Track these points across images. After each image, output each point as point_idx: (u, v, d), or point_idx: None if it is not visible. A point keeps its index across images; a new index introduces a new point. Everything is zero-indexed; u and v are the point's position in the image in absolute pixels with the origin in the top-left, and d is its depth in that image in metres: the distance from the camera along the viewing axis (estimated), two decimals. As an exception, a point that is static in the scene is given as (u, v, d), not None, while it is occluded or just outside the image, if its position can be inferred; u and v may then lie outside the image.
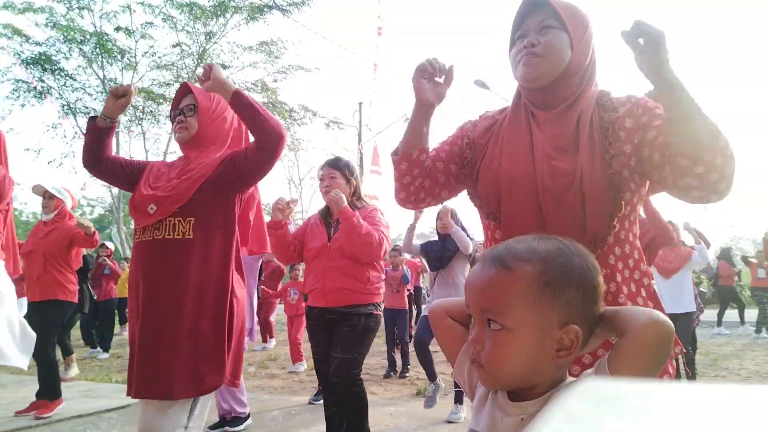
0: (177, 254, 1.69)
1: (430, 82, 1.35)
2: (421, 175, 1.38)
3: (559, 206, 1.18)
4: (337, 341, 2.75)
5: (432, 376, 4.09)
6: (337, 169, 2.92)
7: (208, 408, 1.77)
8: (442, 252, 4.06)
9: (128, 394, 1.74)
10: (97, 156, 1.91)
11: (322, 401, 4.29)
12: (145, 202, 1.76)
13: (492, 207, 1.30)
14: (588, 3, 1.40)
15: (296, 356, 6.16)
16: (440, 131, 1.49)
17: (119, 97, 1.86)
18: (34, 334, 2.99)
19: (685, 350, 4.97)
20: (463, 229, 4.22)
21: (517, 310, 0.75)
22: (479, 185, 1.33)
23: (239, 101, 1.73)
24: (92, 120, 1.90)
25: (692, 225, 5.14)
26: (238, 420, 3.51)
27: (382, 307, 2.97)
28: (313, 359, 2.98)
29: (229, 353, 1.73)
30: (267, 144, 1.75)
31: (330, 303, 2.76)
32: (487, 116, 1.43)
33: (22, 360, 2.82)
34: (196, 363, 1.66)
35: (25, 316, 2.94)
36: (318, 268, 2.82)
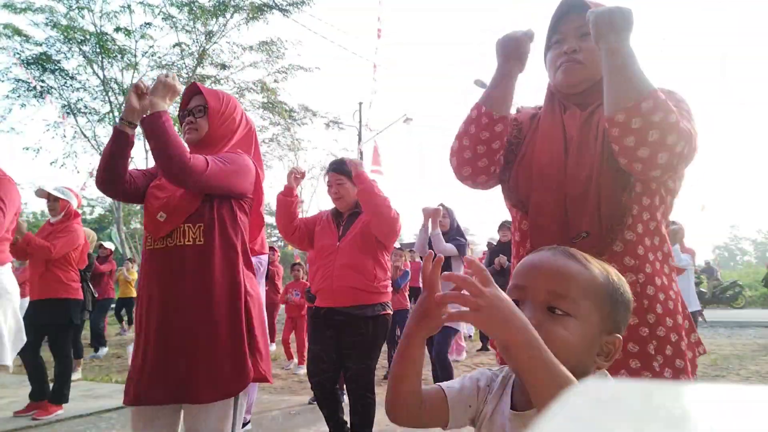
0: (190, 260, 1.70)
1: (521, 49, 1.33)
2: (494, 139, 1.30)
3: (582, 198, 1.20)
4: (349, 351, 2.76)
5: None
6: (342, 174, 2.93)
7: (245, 405, 1.78)
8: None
9: (133, 403, 1.70)
10: (118, 170, 1.78)
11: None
12: (154, 210, 1.76)
13: (521, 195, 1.31)
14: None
15: (290, 354, 6.25)
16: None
17: (141, 94, 1.75)
18: (25, 337, 2.98)
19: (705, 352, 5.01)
20: (459, 228, 4.22)
21: (585, 302, 0.78)
22: (514, 171, 1.34)
23: (148, 123, 1.66)
24: (117, 128, 1.78)
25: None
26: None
27: (390, 306, 2.96)
28: (308, 357, 2.96)
29: (255, 351, 1.74)
30: (166, 173, 1.69)
31: (338, 303, 2.77)
32: (523, 111, 1.46)
33: (7, 358, 2.80)
34: (217, 366, 1.66)
35: (24, 316, 2.94)
36: (326, 266, 2.83)
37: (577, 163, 1.23)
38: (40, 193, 4.07)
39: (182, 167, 1.63)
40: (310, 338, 2.99)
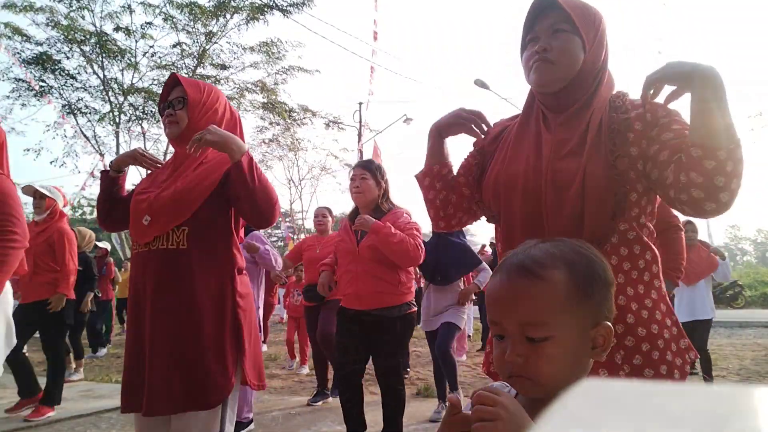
0: (172, 264, 1.66)
1: (461, 126, 1.42)
2: (445, 189, 1.43)
3: (559, 206, 1.18)
4: (379, 349, 2.91)
5: (454, 385, 3.86)
6: (368, 170, 3.00)
7: (235, 410, 1.75)
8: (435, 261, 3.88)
9: (123, 411, 1.69)
10: (113, 205, 1.92)
11: (320, 403, 4.31)
12: (140, 212, 1.71)
13: (494, 208, 1.31)
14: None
15: (293, 354, 6.23)
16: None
17: (137, 161, 1.89)
18: (14, 341, 2.95)
19: (699, 355, 4.93)
20: (462, 232, 4.19)
21: (557, 317, 0.75)
22: (484, 187, 1.34)
23: (240, 171, 1.66)
24: (105, 173, 1.94)
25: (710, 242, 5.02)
26: (240, 425, 3.50)
27: (415, 303, 3.09)
28: (337, 349, 3.03)
29: (243, 358, 1.70)
30: (254, 218, 1.74)
31: (365, 306, 2.86)
32: (499, 123, 1.45)
33: None
34: (201, 373, 1.62)
35: (12, 316, 2.91)
36: (350, 272, 2.92)
37: (555, 169, 1.19)
38: (27, 189, 4.05)
39: (275, 213, 1.73)
40: (337, 332, 3.07)
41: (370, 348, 2.95)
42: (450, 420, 0.77)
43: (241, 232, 1.94)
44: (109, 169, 1.94)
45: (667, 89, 1.14)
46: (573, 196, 1.16)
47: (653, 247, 1.22)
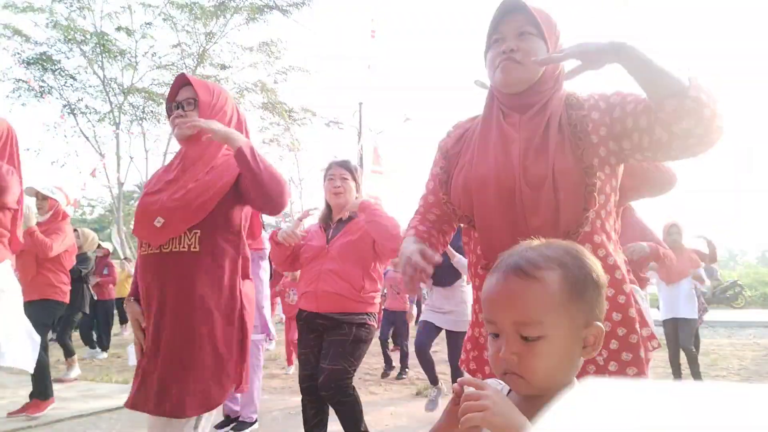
0: (184, 268, 1.65)
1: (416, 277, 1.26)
2: (435, 228, 1.50)
3: (535, 204, 1.21)
4: (326, 350, 2.63)
5: (434, 380, 4.08)
6: (348, 170, 2.89)
7: (213, 415, 1.73)
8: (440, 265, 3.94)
9: (135, 407, 1.68)
10: None
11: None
12: (151, 213, 1.69)
13: (464, 209, 1.32)
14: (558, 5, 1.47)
15: (291, 359, 6.17)
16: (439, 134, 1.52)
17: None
18: (38, 337, 2.96)
19: (687, 350, 4.94)
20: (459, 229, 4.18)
21: (551, 317, 0.78)
22: (451, 189, 1.36)
23: (243, 157, 1.66)
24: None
25: (708, 237, 5.05)
26: (244, 424, 3.50)
27: (376, 318, 2.86)
28: (298, 360, 2.90)
29: (239, 362, 1.70)
30: (265, 203, 1.72)
31: (321, 308, 2.67)
32: (459, 125, 1.48)
33: (26, 362, 2.77)
34: (206, 378, 1.63)
35: None
36: (313, 269, 2.75)
37: (525, 167, 1.23)
38: (30, 191, 4.05)
39: (281, 192, 1.70)
40: (298, 341, 2.92)
41: (320, 353, 2.67)
42: (453, 409, 0.80)
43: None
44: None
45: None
46: (546, 193, 1.20)
47: (615, 237, 1.29)
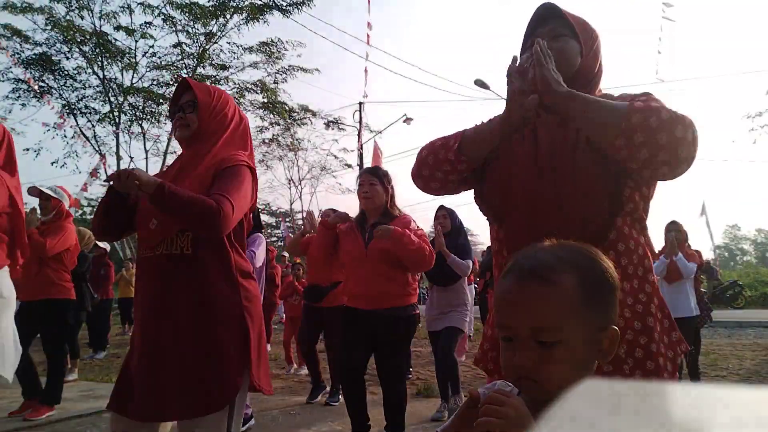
0: (177, 270, 1.65)
1: (522, 95, 1.22)
2: (454, 172, 1.35)
3: (559, 205, 1.20)
4: (383, 348, 3.02)
5: (456, 389, 3.83)
6: (376, 176, 3.13)
7: (242, 412, 1.73)
8: (441, 265, 3.82)
9: (115, 411, 1.66)
10: (109, 221, 1.79)
11: (320, 397, 4.32)
12: (147, 215, 1.71)
13: (497, 208, 1.32)
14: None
15: (290, 358, 6.16)
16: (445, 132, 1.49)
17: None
18: (21, 348, 2.90)
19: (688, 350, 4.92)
20: (459, 229, 4.16)
21: (568, 321, 0.76)
22: (486, 186, 1.34)
23: (157, 198, 1.56)
24: (111, 189, 1.74)
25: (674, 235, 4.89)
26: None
27: (417, 306, 3.18)
28: (341, 349, 3.18)
29: (251, 361, 1.68)
30: (197, 231, 1.66)
31: (373, 306, 2.96)
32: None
33: (8, 371, 2.71)
34: (205, 377, 1.61)
35: (15, 315, 2.88)
36: (358, 273, 3.05)
37: (552, 169, 1.22)
38: (33, 191, 4.05)
39: (213, 221, 1.58)
40: (342, 330, 3.15)
41: (374, 347, 3.05)
42: (466, 413, 0.78)
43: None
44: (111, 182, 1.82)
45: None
46: (571, 195, 1.19)
47: (644, 242, 1.26)
